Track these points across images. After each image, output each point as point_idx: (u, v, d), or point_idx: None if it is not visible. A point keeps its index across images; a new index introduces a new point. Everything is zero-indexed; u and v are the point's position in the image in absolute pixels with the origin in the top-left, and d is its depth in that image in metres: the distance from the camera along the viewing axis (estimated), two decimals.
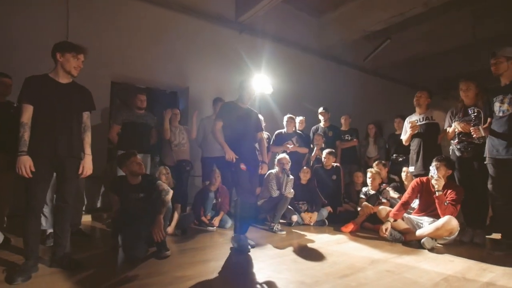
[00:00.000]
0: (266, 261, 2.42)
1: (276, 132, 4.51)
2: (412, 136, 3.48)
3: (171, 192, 2.70)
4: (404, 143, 3.64)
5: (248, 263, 2.40)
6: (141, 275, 2.08)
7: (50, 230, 2.84)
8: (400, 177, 4.07)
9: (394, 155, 4.44)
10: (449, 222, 2.68)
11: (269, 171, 3.86)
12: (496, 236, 3.11)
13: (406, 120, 3.65)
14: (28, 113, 2.10)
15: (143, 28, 4.76)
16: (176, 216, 3.31)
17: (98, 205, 4.46)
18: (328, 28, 6.61)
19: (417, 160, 3.39)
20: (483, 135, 2.72)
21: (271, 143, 4.48)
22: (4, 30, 3.71)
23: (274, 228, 3.43)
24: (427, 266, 2.31)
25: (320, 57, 6.92)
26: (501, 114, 2.64)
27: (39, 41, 3.86)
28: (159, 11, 4.86)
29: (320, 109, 4.90)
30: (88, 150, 2.32)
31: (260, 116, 4.58)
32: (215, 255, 2.57)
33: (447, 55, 7.24)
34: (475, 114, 2.84)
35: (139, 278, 2.05)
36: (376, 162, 4.28)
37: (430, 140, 3.35)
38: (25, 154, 2.03)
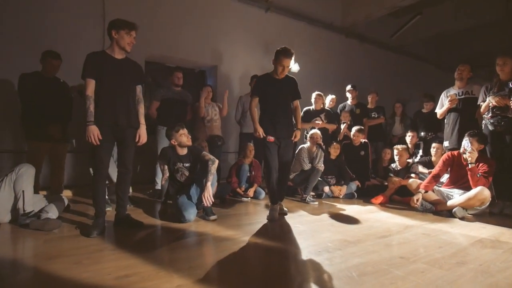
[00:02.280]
0: (305, 225, 2.63)
1: (305, 109, 4.62)
2: (449, 110, 3.52)
3: (216, 161, 2.91)
4: (438, 116, 3.69)
5: (288, 226, 2.61)
6: (197, 234, 2.33)
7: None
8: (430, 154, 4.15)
9: (422, 133, 4.50)
10: (481, 192, 2.79)
11: (301, 146, 4.02)
12: None
13: (443, 94, 3.66)
14: (91, 87, 2.29)
15: (173, 8, 4.86)
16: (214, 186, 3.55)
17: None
18: (354, 5, 6.51)
19: (451, 135, 3.45)
20: None
21: None
22: (44, 11, 3.90)
23: (307, 199, 3.62)
24: (460, 231, 2.46)
25: (344, 34, 6.87)
26: None
27: (77, 19, 4.07)
28: None
29: (348, 87, 4.95)
30: (142, 120, 2.52)
31: None
32: (257, 219, 2.80)
33: (476, 31, 7.03)
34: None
35: (196, 235, 2.29)
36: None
37: (468, 114, 3.36)
38: (93, 123, 2.24)
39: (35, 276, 1.55)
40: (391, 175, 3.92)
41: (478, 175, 2.91)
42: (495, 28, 6.75)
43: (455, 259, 1.84)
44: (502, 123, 3.00)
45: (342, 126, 4.65)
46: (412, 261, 1.78)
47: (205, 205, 2.70)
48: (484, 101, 3.14)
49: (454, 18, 6.58)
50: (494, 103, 2.99)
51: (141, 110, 2.53)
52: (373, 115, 4.97)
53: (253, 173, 3.98)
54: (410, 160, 4.05)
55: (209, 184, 2.74)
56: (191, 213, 2.65)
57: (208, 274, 1.56)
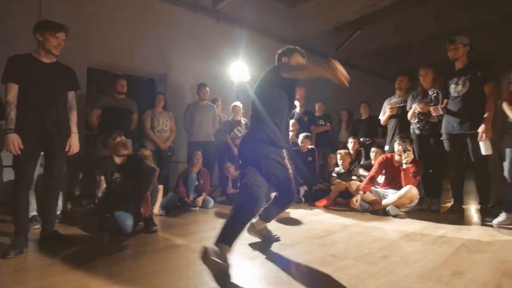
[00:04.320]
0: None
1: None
2: (390, 117, 3.80)
3: (157, 170, 2.83)
4: (382, 123, 3.96)
5: None
6: (134, 245, 2.22)
7: (33, 213, 2.84)
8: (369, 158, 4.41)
9: (361, 138, 4.79)
10: (410, 190, 3.03)
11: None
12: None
13: (385, 102, 3.94)
14: (13, 92, 2.12)
15: (120, 15, 4.72)
16: (159, 197, 3.43)
17: (77, 192, 4.44)
18: (303, 19, 6.83)
19: (391, 139, 3.71)
20: (441, 113, 3.05)
21: None
22: None
23: None
24: (392, 227, 2.64)
25: (295, 46, 7.15)
26: (456, 95, 2.98)
27: (12, 22, 3.78)
28: None
29: (297, 96, 5.13)
30: (74, 128, 2.38)
31: (239, 103, 4.77)
32: (201, 229, 2.75)
33: (413, 47, 7.74)
34: (435, 95, 3.12)
35: (132, 247, 2.18)
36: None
37: (406, 121, 3.59)
38: (13, 132, 2.06)
39: None
40: (335, 175, 4.11)
41: (410, 175, 3.16)
42: (429, 42, 7.45)
43: (381, 253, 1.96)
44: (427, 127, 3.31)
45: (290, 134, 4.78)
46: (341, 258, 1.86)
47: (144, 215, 2.59)
48: (411, 108, 3.44)
49: (394, 33, 7.19)
50: (419, 110, 3.28)
51: (73, 118, 2.39)
52: (320, 123, 5.19)
53: (201, 181, 3.92)
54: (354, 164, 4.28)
55: (148, 194, 2.64)
56: (129, 225, 2.52)
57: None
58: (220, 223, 2.91)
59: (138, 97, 4.94)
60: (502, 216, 2.62)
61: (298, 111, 5.15)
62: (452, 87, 2.99)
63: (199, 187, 3.93)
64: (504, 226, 2.57)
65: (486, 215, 2.81)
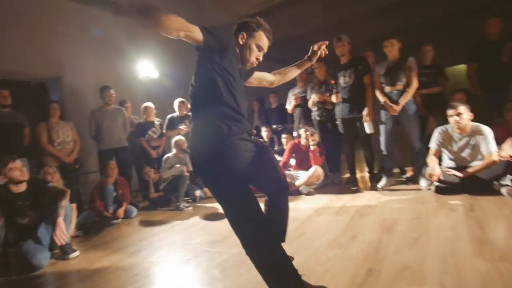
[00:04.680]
0: (177, 234, 2.70)
1: (169, 117, 4.62)
2: (295, 106, 4.20)
3: (67, 192, 2.60)
4: (289, 111, 4.36)
5: (161, 240, 2.62)
6: (52, 279, 2.06)
7: None
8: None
9: (273, 126, 5.20)
10: (316, 170, 3.52)
11: (166, 155, 4.03)
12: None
13: (290, 92, 4.32)
14: None
15: None
16: (73, 216, 3.15)
17: None
18: (207, 10, 6.84)
19: (298, 125, 4.14)
20: (340, 100, 3.55)
21: (164, 128, 4.58)
22: None
23: (181, 206, 3.68)
24: (305, 205, 3.06)
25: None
26: (344, 85, 3.52)
27: None
28: None
29: None
30: None
31: (150, 104, 4.60)
32: (128, 243, 2.68)
33: (307, 36, 8.54)
34: (334, 86, 3.59)
35: (50, 282, 2.03)
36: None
37: (309, 109, 4.01)
38: None
39: None
40: None
41: (318, 154, 3.65)
42: (319, 33, 8.30)
43: (297, 232, 2.28)
44: (324, 114, 3.83)
45: None
46: None
47: (58, 244, 2.39)
48: (310, 97, 3.91)
49: (289, 25, 7.80)
50: (317, 99, 3.77)
51: None
52: None
53: (119, 191, 3.73)
54: None
55: (60, 219, 2.43)
56: (42, 258, 2.29)
57: None
58: (147, 232, 2.94)
59: (27, 106, 4.33)
60: (383, 181, 3.30)
61: None
62: (341, 79, 3.52)
63: (118, 197, 3.73)
64: (386, 188, 3.24)
65: (373, 181, 3.49)
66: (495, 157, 2.53)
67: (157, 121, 4.57)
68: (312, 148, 3.66)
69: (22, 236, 2.45)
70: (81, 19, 4.89)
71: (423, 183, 3.06)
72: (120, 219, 3.53)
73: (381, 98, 3.23)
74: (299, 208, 2.99)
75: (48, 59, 4.52)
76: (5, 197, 2.48)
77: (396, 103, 3.11)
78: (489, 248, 1.64)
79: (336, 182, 3.91)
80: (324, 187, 3.75)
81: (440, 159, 2.94)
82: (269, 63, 7.70)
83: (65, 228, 2.47)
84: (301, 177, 3.71)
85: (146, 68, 5.20)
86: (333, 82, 3.57)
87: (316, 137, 3.65)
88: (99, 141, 4.11)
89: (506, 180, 2.49)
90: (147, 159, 4.40)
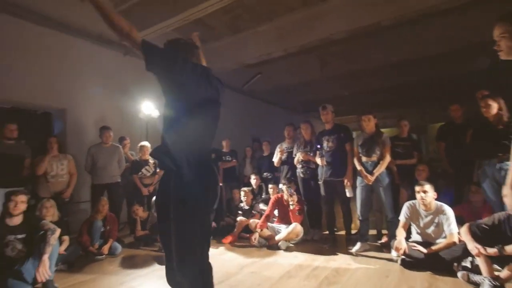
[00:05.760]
0: (158, 280, 2.82)
1: None
2: (282, 161, 4.47)
3: (58, 231, 2.77)
4: (275, 164, 4.62)
5: (141, 285, 2.75)
6: None
7: None
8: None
9: (264, 173, 5.45)
10: (295, 227, 3.72)
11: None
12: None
13: (277, 146, 4.61)
14: None
15: (7, 43, 4.29)
16: (62, 248, 3.26)
17: None
18: (210, 56, 7.34)
19: (283, 178, 4.39)
20: (325, 163, 3.83)
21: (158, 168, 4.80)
22: None
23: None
24: (281, 260, 3.24)
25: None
26: (327, 149, 3.84)
27: None
28: (28, 26, 4.48)
29: None
30: None
31: (147, 143, 4.86)
32: (107, 284, 2.80)
33: (305, 86, 9.09)
34: (320, 148, 3.90)
35: None
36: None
37: (293, 164, 4.28)
38: None
39: None
40: (240, 212, 4.60)
41: (297, 213, 3.86)
42: (316, 83, 8.86)
43: None
44: (308, 172, 4.10)
45: None
46: None
47: (39, 281, 2.52)
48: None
49: (288, 74, 8.35)
50: (302, 158, 4.06)
51: None
52: (227, 159, 5.68)
53: (107, 227, 3.87)
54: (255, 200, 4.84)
55: (45, 257, 2.59)
56: None
57: None
58: (128, 274, 3.05)
59: (32, 133, 4.59)
60: (357, 245, 3.49)
61: None
62: (324, 143, 3.85)
63: (106, 233, 3.87)
64: (359, 253, 3.42)
65: (349, 244, 3.68)
66: (455, 238, 2.76)
67: (151, 160, 4.81)
68: (291, 207, 3.88)
69: (8, 268, 2.59)
70: (88, 56, 5.29)
71: (393, 253, 3.25)
72: (104, 255, 3.64)
73: (358, 167, 3.53)
74: (276, 264, 3.15)
75: (55, 92, 4.83)
76: (1, 231, 2.64)
77: (371, 173, 3.40)
78: None
79: (316, 238, 4.08)
80: (303, 243, 3.91)
81: (410, 231, 3.16)
82: (269, 106, 8.25)
83: (48, 266, 2.62)
84: (282, 231, 3.89)
85: (148, 107, 5.52)
86: (320, 148, 3.87)
87: (295, 198, 3.88)
88: (93, 175, 4.32)
89: (467, 262, 2.67)
90: (137, 197, 4.58)
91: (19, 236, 2.72)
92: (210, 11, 4.96)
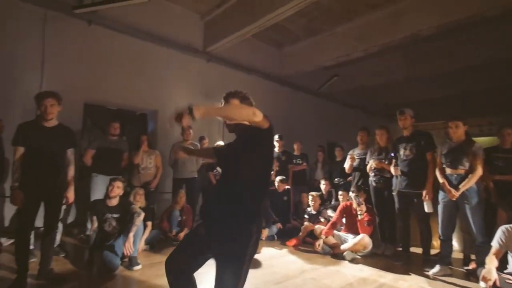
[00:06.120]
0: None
1: None
2: (353, 167, 4.27)
3: (142, 214, 3.23)
4: (346, 171, 4.43)
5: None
6: (118, 285, 2.59)
7: (31, 247, 3.19)
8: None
9: (336, 178, 5.26)
10: (363, 239, 3.49)
11: None
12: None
13: (349, 152, 4.42)
14: (19, 153, 2.53)
15: (116, 55, 5.17)
16: (147, 232, 3.78)
17: (69, 221, 4.77)
18: (287, 59, 7.45)
19: (353, 186, 4.17)
20: (399, 173, 3.52)
21: None
22: None
23: None
24: (344, 272, 3.10)
25: (280, 84, 7.72)
26: (404, 158, 3.50)
27: (15, 73, 4.18)
28: (131, 40, 5.32)
29: (276, 137, 5.61)
30: (71, 181, 2.77)
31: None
32: None
33: (387, 87, 8.42)
34: (395, 158, 3.58)
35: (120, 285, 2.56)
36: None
37: (365, 171, 4.05)
38: (17, 188, 2.45)
39: None
40: (306, 216, 4.55)
41: (365, 224, 3.62)
42: (401, 84, 8.14)
43: None
44: (381, 181, 3.79)
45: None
46: None
47: (125, 254, 2.98)
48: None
49: (368, 75, 7.87)
50: (375, 166, 3.78)
51: (70, 172, 2.78)
52: (297, 162, 5.66)
53: (183, 217, 4.30)
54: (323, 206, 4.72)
55: (131, 234, 3.04)
56: (116, 264, 2.91)
57: None
58: None
59: (131, 130, 5.39)
60: (436, 268, 3.08)
61: (277, 151, 5.62)
62: (401, 151, 3.51)
63: (182, 222, 4.31)
64: (437, 277, 3.01)
65: (426, 265, 3.27)
66: None
67: None
68: (359, 217, 3.65)
69: (105, 241, 3.15)
70: (178, 64, 5.96)
71: (482, 284, 2.77)
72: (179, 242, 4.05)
73: (440, 179, 3.11)
74: (336, 275, 3.02)
75: (149, 95, 5.59)
76: (102, 208, 3.23)
77: (456, 187, 2.96)
78: None
79: (387, 254, 3.74)
80: (372, 257, 3.65)
81: (506, 261, 2.65)
82: (347, 109, 7.97)
83: (133, 242, 3.07)
84: (348, 241, 3.71)
85: None
86: (394, 156, 3.56)
87: (363, 207, 3.64)
88: (174, 170, 4.84)
89: None
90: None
91: (115, 215, 3.26)
92: (287, 15, 5.04)
